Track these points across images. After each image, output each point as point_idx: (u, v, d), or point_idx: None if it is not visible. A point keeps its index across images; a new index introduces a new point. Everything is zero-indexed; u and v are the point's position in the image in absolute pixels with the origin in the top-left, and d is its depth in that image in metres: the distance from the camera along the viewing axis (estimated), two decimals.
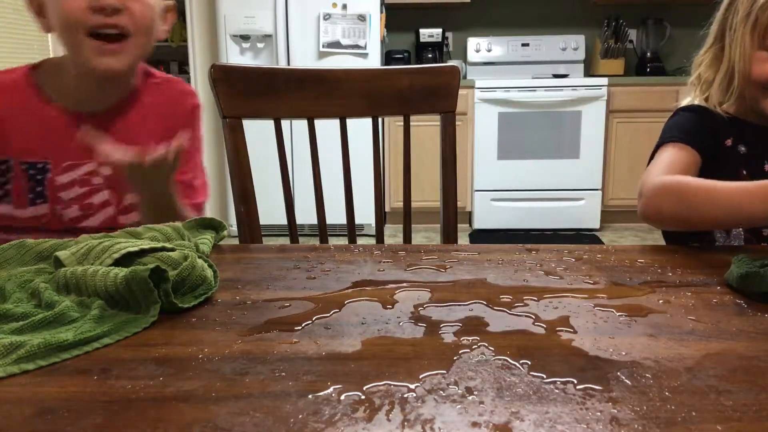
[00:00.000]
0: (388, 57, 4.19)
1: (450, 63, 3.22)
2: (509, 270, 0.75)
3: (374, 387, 0.46)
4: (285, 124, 1.83)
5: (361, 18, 3.67)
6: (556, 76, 4.03)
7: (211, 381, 0.47)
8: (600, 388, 0.46)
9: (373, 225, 2.78)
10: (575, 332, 0.56)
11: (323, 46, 3.68)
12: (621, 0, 4.20)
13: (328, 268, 0.76)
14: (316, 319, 0.59)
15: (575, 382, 0.47)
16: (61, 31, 0.90)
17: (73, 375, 0.49)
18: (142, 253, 0.66)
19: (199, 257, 0.68)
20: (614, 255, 0.81)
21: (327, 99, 1.18)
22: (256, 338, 0.55)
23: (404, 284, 0.70)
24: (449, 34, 4.38)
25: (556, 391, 0.46)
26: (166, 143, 1.01)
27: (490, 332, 0.57)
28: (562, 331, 0.57)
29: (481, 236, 3.91)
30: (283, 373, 0.48)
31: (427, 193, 3.69)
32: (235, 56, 3.70)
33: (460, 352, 0.52)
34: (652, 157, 1.05)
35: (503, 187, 3.93)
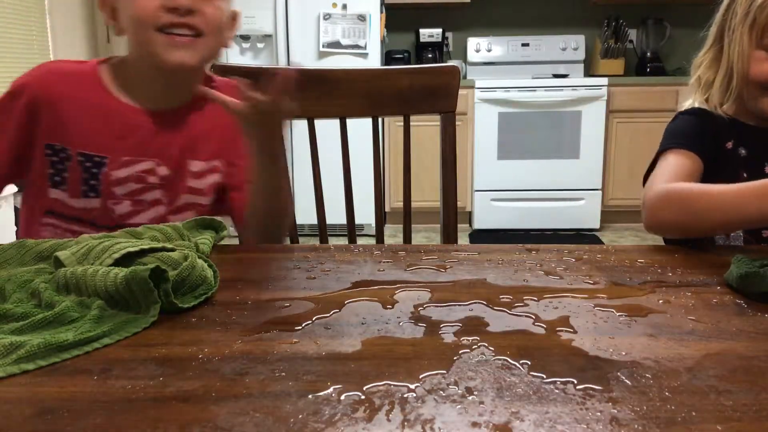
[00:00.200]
0: (388, 57, 4.19)
1: (450, 63, 3.22)
2: (509, 270, 0.75)
3: (374, 387, 0.46)
4: None
5: (361, 18, 3.67)
6: (556, 76, 4.03)
7: (211, 381, 0.47)
8: (600, 388, 0.46)
9: (373, 225, 2.78)
10: (575, 332, 0.56)
11: (323, 46, 3.68)
12: (621, 0, 4.20)
13: (328, 268, 0.76)
14: (316, 319, 0.59)
15: (575, 382, 0.47)
16: (133, 29, 0.91)
17: (73, 375, 0.49)
18: (142, 253, 0.66)
19: (199, 257, 0.68)
20: (614, 255, 0.81)
21: (327, 99, 1.18)
22: (256, 338, 0.55)
23: (404, 284, 0.70)
24: (449, 34, 4.38)
25: (556, 391, 0.46)
26: (224, 148, 1.03)
27: (490, 332, 0.57)
28: (562, 331, 0.57)
29: (481, 236, 3.91)
30: (283, 373, 0.48)
31: (427, 193, 3.69)
32: (235, 56, 3.70)
33: (460, 352, 0.52)
34: (654, 163, 1.04)
35: (503, 187, 3.93)
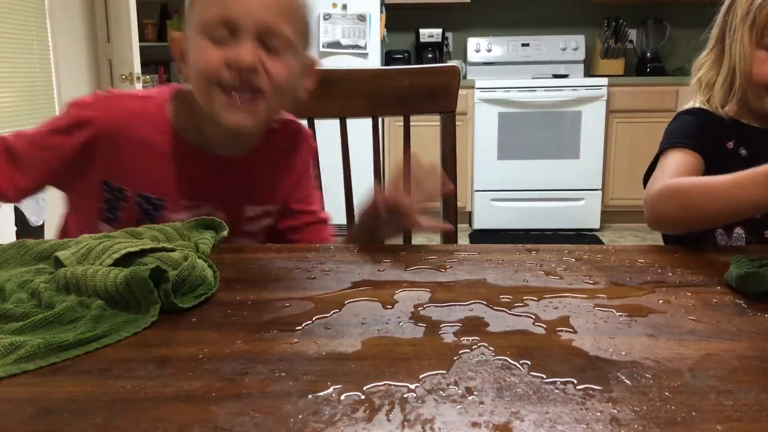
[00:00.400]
0: (388, 57, 4.19)
1: (450, 63, 3.21)
2: (509, 270, 0.75)
3: (374, 387, 0.46)
4: None
5: (361, 18, 3.67)
6: (556, 76, 4.03)
7: (211, 381, 0.47)
8: (600, 388, 0.46)
9: None
10: (575, 332, 0.56)
11: (323, 46, 3.68)
12: (621, 0, 4.20)
13: (328, 268, 0.76)
14: (316, 319, 0.59)
15: (575, 382, 0.47)
16: (196, 81, 0.88)
17: (73, 375, 0.49)
18: (142, 253, 0.66)
19: (199, 257, 0.68)
20: (614, 255, 0.81)
21: (327, 99, 1.18)
22: (256, 338, 0.55)
23: (404, 284, 0.70)
24: (449, 34, 4.38)
25: (556, 391, 0.46)
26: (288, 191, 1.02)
27: (490, 332, 0.57)
28: (562, 331, 0.57)
29: (481, 236, 3.91)
30: (283, 373, 0.48)
31: None
32: None
33: (460, 352, 0.52)
34: (654, 162, 1.04)
35: (503, 187, 3.93)
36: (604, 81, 3.79)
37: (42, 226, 2.58)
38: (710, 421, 0.42)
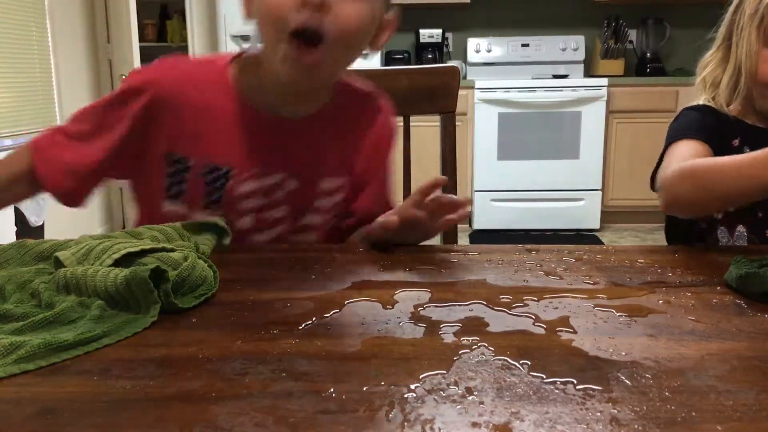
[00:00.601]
0: (388, 57, 4.19)
1: (450, 63, 3.21)
2: (509, 270, 0.75)
3: (374, 387, 0.46)
4: None
5: None
6: (556, 76, 4.03)
7: (211, 381, 0.47)
8: (600, 388, 0.46)
9: None
10: (575, 332, 0.56)
11: None
12: (621, 0, 4.20)
13: (328, 268, 0.76)
14: (316, 319, 0.59)
15: (575, 382, 0.47)
16: (262, 23, 0.82)
17: (73, 375, 0.49)
18: (142, 253, 0.66)
19: (199, 258, 0.68)
20: (614, 255, 0.81)
21: None
22: (256, 338, 0.55)
23: (404, 284, 0.70)
24: (449, 35, 4.38)
25: (556, 391, 0.46)
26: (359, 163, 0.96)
27: (490, 332, 0.57)
28: (562, 331, 0.57)
29: (481, 236, 3.90)
30: (283, 373, 0.48)
31: None
32: None
33: (460, 352, 0.52)
34: (660, 159, 1.04)
35: (503, 188, 3.92)
36: (604, 81, 3.79)
37: (42, 226, 2.58)
38: (710, 421, 0.42)
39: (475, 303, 0.64)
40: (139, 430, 0.41)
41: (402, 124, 1.22)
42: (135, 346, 0.54)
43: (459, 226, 1.07)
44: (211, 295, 0.65)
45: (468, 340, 0.54)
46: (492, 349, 0.53)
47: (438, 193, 0.84)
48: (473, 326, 0.58)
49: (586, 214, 3.92)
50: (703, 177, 0.87)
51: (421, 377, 0.48)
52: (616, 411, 0.43)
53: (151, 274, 0.59)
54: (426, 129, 3.65)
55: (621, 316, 0.60)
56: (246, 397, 0.45)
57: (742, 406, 0.44)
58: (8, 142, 3.15)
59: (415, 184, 0.90)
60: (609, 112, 3.82)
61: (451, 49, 4.40)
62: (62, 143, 0.89)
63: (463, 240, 3.66)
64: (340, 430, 0.41)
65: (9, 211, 2.55)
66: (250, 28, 3.42)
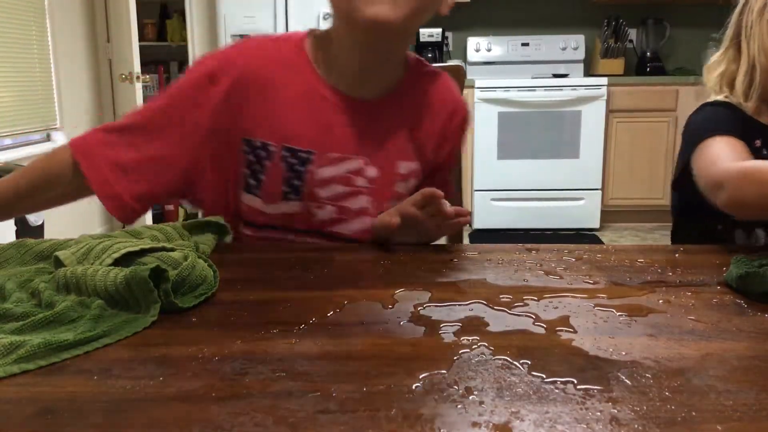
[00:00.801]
0: None
1: (450, 63, 3.21)
2: (509, 270, 0.75)
3: (374, 387, 0.46)
4: None
5: None
6: (555, 75, 4.03)
7: (211, 381, 0.47)
8: (600, 388, 0.46)
9: None
10: (575, 332, 0.56)
11: None
12: (621, 0, 4.20)
13: (328, 268, 0.76)
14: (316, 319, 0.59)
15: (575, 382, 0.47)
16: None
17: (73, 375, 0.49)
18: (142, 252, 0.66)
19: (199, 257, 0.68)
20: (614, 255, 0.81)
21: None
22: (256, 338, 0.55)
23: (404, 284, 0.70)
24: (449, 34, 4.37)
25: (556, 391, 0.46)
26: (430, 150, 0.93)
27: (490, 332, 0.57)
28: (562, 331, 0.57)
29: (481, 236, 3.90)
30: (283, 373, 0.48)
31: None
32: None
33: (460, 352, 0.52)
34: (686, 153, 1.01)
35: (503, 187, 3.92)
36: (604, 81, 3.78)
37: (42, 226, 2.57)
38: (710, 421, 0.42)
39: (475, 303, 0.64)
40: (139, 430, 0.41)
41: None
42: (135, 346, 0.54)
43: None
44: (211, 295, 0.65)
45: (468, 340, 0.54)
46: (492, 348, 0.53)
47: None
48: (473, 326, 0.58)
49: (585, 213, 3.92)
50: None
51: (421, 377, 0.48)
52: (616, 411, 0.43)
53: (151, 273, 0.59)
54: None
55: (621, 315, 0.60)
56: (246, 397, 0.45)
57: (742, 406, 0.44)
58: (8, 141, 3.15)
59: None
60: (609, 112, 3.82)
61: (450, 49, 4.40)
62: (113, 142, 0.85)
63: (463, 240, 3.66)
64: (340, 430, 0.41)
65: None
66: (249, 27, 3.39)
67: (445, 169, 0.99)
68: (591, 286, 0.69)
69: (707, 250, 0.84)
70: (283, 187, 0.87)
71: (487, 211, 3.96)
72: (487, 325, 0.58)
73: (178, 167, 0.87)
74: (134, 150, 0.85)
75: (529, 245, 0.85)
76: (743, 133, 1.01)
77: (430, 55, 4.22)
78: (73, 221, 3.14)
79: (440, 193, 0.79)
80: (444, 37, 4.26)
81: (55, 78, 3.36)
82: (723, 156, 0.94)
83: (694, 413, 0.43)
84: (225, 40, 3.70)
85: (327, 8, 3.66)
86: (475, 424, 0.41)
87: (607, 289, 0.68)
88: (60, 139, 3.38)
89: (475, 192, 3.93)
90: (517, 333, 0.56)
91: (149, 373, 0.49)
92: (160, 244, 0.69)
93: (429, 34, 4.20)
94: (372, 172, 0.89)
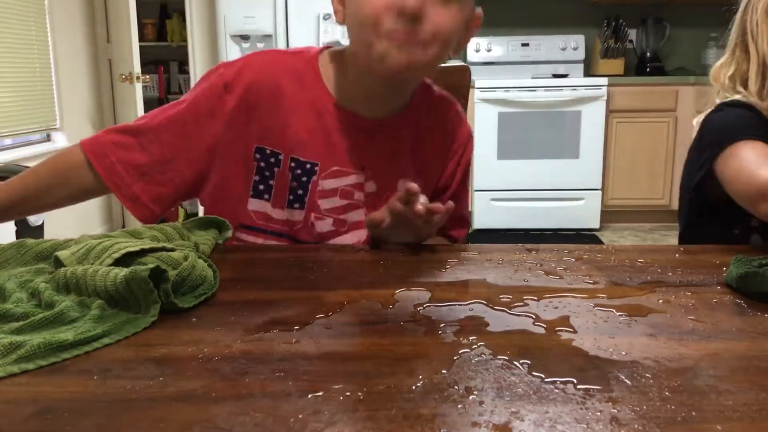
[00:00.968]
0: None
1: (450, 63, 3.20)
2: (509, 270, 0.75)
3: (374, 387, 0.46)
4: None
5: None
6: (555, 75, 4.03)
7: (211, 381, 0.47)
8: (600, 388, 0.46)
9: None
10: (575, 332, 0.56)
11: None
12: (621, 0, 4.20)
13: (328, 268, 0.76)
14: (316, 319, 0.59)
15: (575, 382, 0.47)
16: (357, 28, 0.82)
17: (73, 375, 0.49)
18: (142, 252, 0.66)
19: (200, 257, 0.68)
20: (614, 255, 0.81)
21: None
22: (256, 338, 0.55)
23: (404, 284, 0.70)
24: None
25: (556, 391, 0.46)
26: (435, 167, 0.96)
27: (490, 332, 0.57)
28: (562, 330, 0.57)
29: (481, 236, 3.90)
30: (283, 373, 0.48)
31: None
32: (235, 56, 3.68)
33: (460, 352, 0.52)
34: (706, 155, 1.00)
35: (503, 187, 3.92)
36: (604, 81, 3.79)
37: (42, 226, 2.57)
38: (710, 421, 0.42)
39: (475, 303, 0.64)
40: (139, 430, 0.41)
41: None
42: (135, 346, 0.54)
43: None
44: (211, 295, 0.65)
45: (468, 340, 0.54)
46: (492, 348, 0.53)
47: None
48: (473, 326, 0.58)
49: (586, 213, 3.92)
50: None
51: (421, 377, 0.48)
52: (616, 411, 0.43)
53: (151, 273, 0.59)
54: None
55: (621, 315, 0.60)
56: (246, 397, 0.45)
57: (742, 406, 0.44)
58: (8, 141, 3.15)
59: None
60: (609, 112, 3.82)
61: None
62: (127, 144, 0.87)
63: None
64: (340, 430, 0.41)
65: None
66: (249, 28, 3.38)
67: (451, 191, 1.00)
68: (591, 286, 0.69)
69: (707, 250, 0.84)
70: (288, 196, 0.89)
71: (487, 211, 3.96)
72: (487, 325, 0.58)
73: (190, 171, 0.89)
74: (148, 153, 0.87)
75: (529, 245, 0.85)
76: (765, 134, 0.99)
77: None
78: (73, 221, 3.15)
79: (415, 186, 0.79)
80: None
81: (55, 78, 3.36)
82: (760, 163, 0.92)
83: (694, 413, 0.43)
84: (225, 40, 3.70)
85: (327, 8, 3.67)
86: (475, 424, 0.41)
87: (607, 289, 0.68)
88: (60, 140, 3.39)
89: (475, 192, 3.93)
90: (517, 333, 0.56)
91: (149, 373, 0.48)
92: (161, 244, 0.69)
93: None
94: (371, 187, 0.91)
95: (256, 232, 0.91)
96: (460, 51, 0.90)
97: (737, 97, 1.06)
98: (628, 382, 0.47)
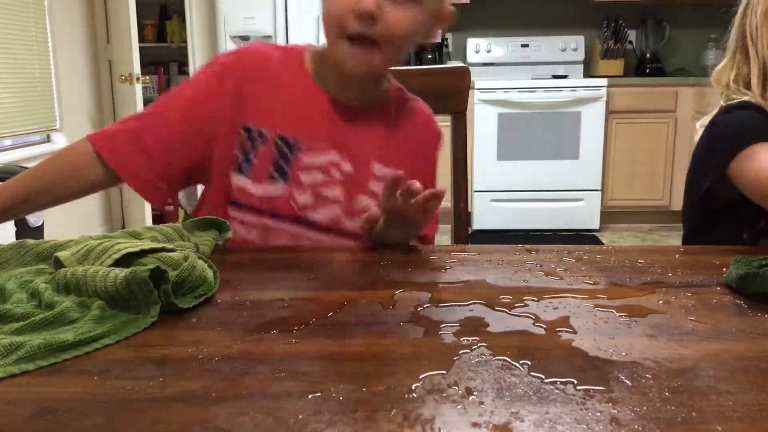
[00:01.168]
0: None
1: (454, 65, 3.21)
2: (509, 270, 0.75)
3: (374, 387, 0.46)
4: None
5: None
6: (555, 76, 4.04)
7: (211, 381, 0.47)
8: (600, 388, 0.46)
9: None
10: (575, 333, 0.56)
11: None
12: (620, 1, 4.21)
13: (328, 268, 0.76)
14: (316, 319, 0.59)
15: (575, 382, 0.47)
16: (326, 29, 0.93)
17: (73, 375, 0.49)
18: (142, 253, 0.66)
19: (199, 258, 0.68)
20: (614, 255, 0.81)
21: None
22: (256, 338, 0.55)
23: (404, 284, 0.70)
24: (449, 35, 4.38)
25: (556, 391, 0.46)
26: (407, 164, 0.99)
27: (490, 333, 0.57)
28: (562, 331, 0.57)
29: (481, 237, 3.90)
30: (283, 373, 0.48)
31: None
32: None
33: (460, 352, 0.52)
34: (718, 158, 1.00)
35: (503, 188, 3.93)
36: (604, 82, 3.79)
37: (42, 226, 2.57)
38: (710, 421, 0.42)
39: (475, 303, 0.64)
40: (139, 430, 0.41)
41: None
42: (135, 346, 0.54)
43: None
44: (211, 295, 0.65)
45: (468, 341, 0.54)
46: (492, 349, 0.53)
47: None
48: (473, 326, 0.58)
49: (585, 214, 3.92)
50: None
51: (421, 377, 0.48)
52: (616, 411, 0.43)
53: (151, 274, 0.59)
54: None
55: (621, 316, 0.60)
56: (246, 398, 0.45)
57: (742, 406, 0.44)
58: (8, 142, 3.15)
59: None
60: (608, 113, 3.83)
61: (450, 50, 4.40)
62: (131, 129, 0.93)
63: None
64: (340, 430, 0.41)
65: None
66: (249, 28, 3.39)
67: (430, 184, 1.03)
68: (591, 287, 0.69)
69: (707, 251, 0.84)
70: (269, 169, 0.95)
71: (487, 212, 3.96)
72: (487, 325, 0.58)
73: (194, 152, 0.96)
74: (152, 134, 0.93)
75: (529, 246, 0.85)
76: None
77: (429, 56, 4.23)
78: (73, 221, 3.14)
79: (401, 173, 0.82)
80: (444, 39, 4.27)
81: (55, 79, 3.36)
82: None
83: (694, 414, 0.43)
84: (225, 41, 3.70)
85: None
86: (475, 425, 0.41)
87: (607, 289, 0.68)
88: (60, 140, 3.39)
89: (475, 193, 3.94)
90: (517, 334, 0.56)
91: (149, 374, 0.48)
92: (160, 245, 0.69)
93: None
94: (347, 167, 0.98)
95: (239, 209, 0.96)
96: (431, 41, 0.99)
97: (745, 98, 1.05)
98: (628, 382, 0.47)
